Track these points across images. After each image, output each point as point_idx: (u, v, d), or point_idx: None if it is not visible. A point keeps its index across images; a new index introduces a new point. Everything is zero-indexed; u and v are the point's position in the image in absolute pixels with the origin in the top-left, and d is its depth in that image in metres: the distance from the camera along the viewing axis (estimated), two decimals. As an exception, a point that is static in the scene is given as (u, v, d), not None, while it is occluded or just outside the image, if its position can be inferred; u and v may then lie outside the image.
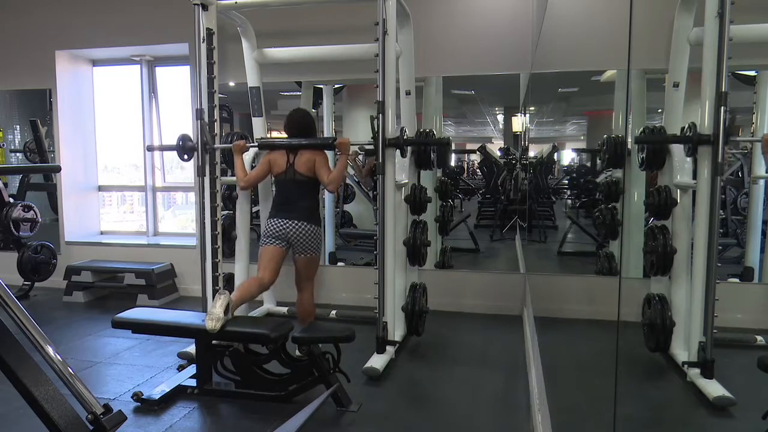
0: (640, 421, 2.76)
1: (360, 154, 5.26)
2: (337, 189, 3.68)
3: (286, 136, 3.70)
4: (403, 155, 3.72)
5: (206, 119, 3.69)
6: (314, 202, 3.61)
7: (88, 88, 6.05)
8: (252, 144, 3.81)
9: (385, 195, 3.55)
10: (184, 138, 3.75)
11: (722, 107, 2.84)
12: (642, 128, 3.66)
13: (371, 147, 3.77)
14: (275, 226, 3.50)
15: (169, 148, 3.91)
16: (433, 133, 4.05)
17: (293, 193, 3.54)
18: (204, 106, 3.68)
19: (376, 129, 3.55)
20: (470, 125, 8.64)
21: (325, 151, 3.66)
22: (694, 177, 3.15)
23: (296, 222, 3.47)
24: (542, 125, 7.27)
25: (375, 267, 3.67)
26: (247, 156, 4.05)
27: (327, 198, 5.46)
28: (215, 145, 3.74)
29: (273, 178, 3.68)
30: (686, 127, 3.11)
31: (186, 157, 3.77)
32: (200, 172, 3.71)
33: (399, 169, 3.80)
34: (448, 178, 4.98)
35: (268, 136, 4.47)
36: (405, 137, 3.60)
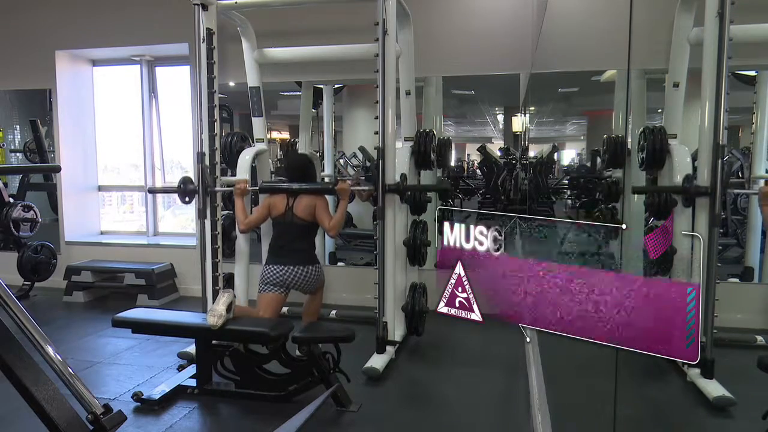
0: (640, 421, 2.76)
1: (362, 177, 5.28)
2: (338, 234, 3.77)
3: (286, 179, 3.76)
4: (402, 201, 3.76)
5: (207, 162, 3.73)
6: (311, 244, 3.65)
7: (88, 88, 6.05)
8: (253, 188, 3.86)
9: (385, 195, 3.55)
10: (185, 181, 3.82)
11: (720, 160, 2.87)
12: (642, 128, 3.65)
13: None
14: (274, 274, 3.52)
15: (171, 190, 4.02)
16: (433, 133, 4.06)
17: (291, 236, 3.57)
18: (205, 150, 3.71)
19: (373, 170, 3.58)
20: (470, 125, 8.63)
21: (325, 196, 3.70)
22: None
23: (294, 267, 3.51)
24: (542, 125, 7.27)
25: (375, 267, 3.68)
26: (247, 156, 4.05)
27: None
28: (216, 188, 3.79)
29: (272, 221, 3.71)
30: (684, 177, 3.14)
31: (187, 199, 3.84)
32: (202, 215, 3.75)
33: (399, 168, 3.79)
34: (448, 178, 4.98)
35: (268, 136, 4.47)
36: (405, 184, 3.64)
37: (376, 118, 3.52)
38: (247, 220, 3.72)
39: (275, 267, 3.52)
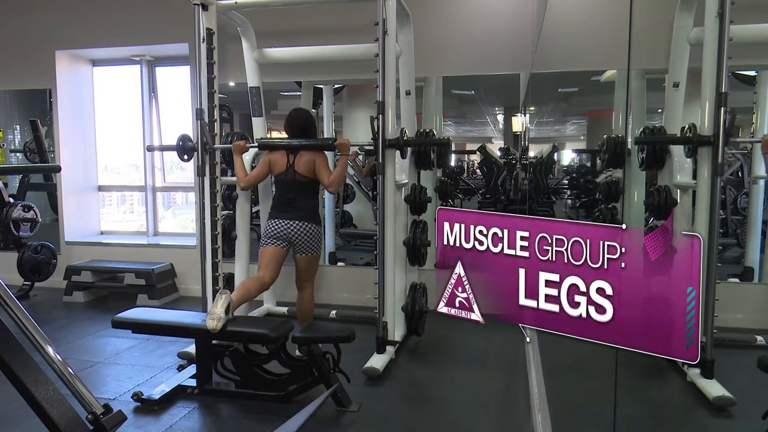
0: (640, 421, 2.76)
1: (360, 154, 5.26)
2: (338, 190, 3.69)
3: (286, 135, 3.71)
4: (403, 156, 3.72)
5: (206, 119, 3.69)
6: (314, 202, 3.62)
7: (88, 88, 6.05)
8: (252, 144, 3.81)
9: (385, 195, 3.55)
10: (184, 138, 3.76)
11: (722, 108, 2.85)
12: (642, 128, 3.65)
13: (371, 147, 3.78)
14: (276, 227, 3.50)
15: (169, 148, 3.93)
16: (433, 133, 4.06)
17: (293, 193, 3.55)
18: (204, 106, 3.68)
19: (375, 129, 3.55)
20: (470, 125, 8.64)
21: (325, 152, 3.66)
22: (694, 177, 3.15)
23: (297, 222, 3.48)
24: (542, 125, 7.27)
25: (375, 267, 3.67)
26: (247, 156, 4.05)
27: (327, 198, 5.46)
28: (215, 145, 3.74)
29: (273, 179, 3.68)
30: (686, 127, 3.11)
31: (186, 157, 3.78)
32: (200, 172, 3.71)
33: (399, 169, 3.80)
34: (448, 178, 4.98)
35: (268, 136, 4.46)
36: (405, 138, 3.60)
37: (376, 117, 3.51)
38: (247, 178, 3.68)
39: (277, 221, 3.50)
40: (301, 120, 3.71)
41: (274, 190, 3.74)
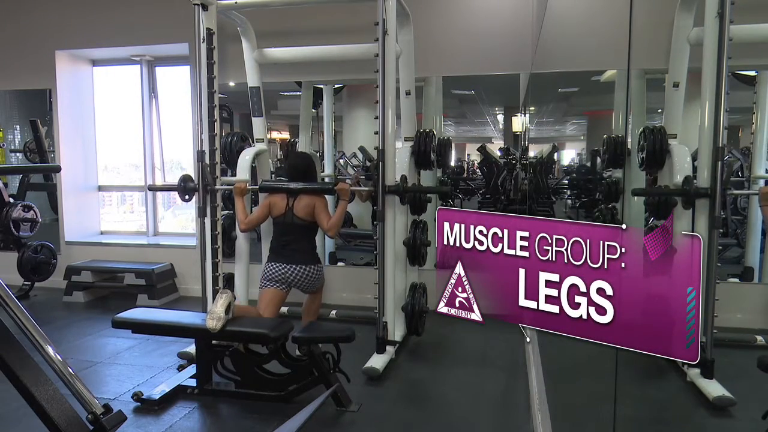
0: (640, 421, 2.76)
1: (362, 177, 5.28)
2: (337, 234, 3.77)
3: (286, 179, 3.75)
4: (402, 203, 3.75)
5: (207, 161, 3.73)
6: (312, 244, 3.65)
7: (88, 88, 6.05)
8: (253, 186, 3.85)
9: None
10: (185, 179, 3.82)
11: (719, 161, 2.87)
12: (642, 128, 3.65)
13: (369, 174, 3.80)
14: (275, 271, 3.53)
15: (171, 188, 4.02)
16: (433, 133, 4.06)
17: (291, 236, 3.57)
18: (205, 148, 3.71)
19: (373, 172, 3.59)
20: (470, 125, 8.64)
21: (325, 196, 3.69)
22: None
23: (295, 266, 3.51)
24: (542, 125, 7.27)
25: (375, 267, 3.68)
26: (247, 156, 4.05)
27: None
28: (216, 187, 3.79)
29: (272, 220, 3.71)
30: (684, 179, 3.13)
31: (187, 197, 3.83)
32: (201, 213, 3.75)
33: (399, 168, 3.80)
34: (448, 178, 4.98)
35: (268, 136, 4.47)
36: (405, 185, 3.63)
37: (376, 118, 3.52)
38: (247, 220, 3.73)
39: (277, 264, 3.53)
40: (303, 164, 3.76)
41: (272, 231, 3.77)
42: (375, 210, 3.63)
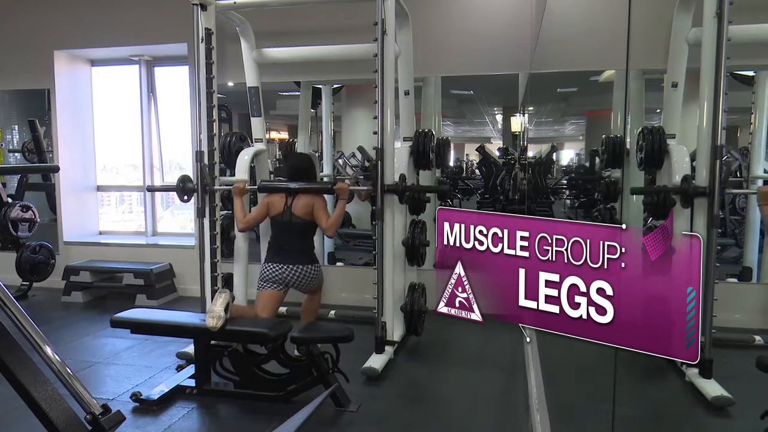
0: (639, 421, 2.76)
1: (361, 176, 5.28)
2: (335, 234, 3.77)
3: (285, 178, 3.75)
4: (401, 202, 3.74)
5: (206, 161, 3.72)
6: (310, 244, 3.64)
7: (86, 88, 6.04)
8: (252, 186, 3.85)
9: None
10: (184, 179, 3.81)
11: (718, 160, 2.88)
12: (641, 128, 3.66)
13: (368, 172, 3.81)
14: (272, 271, 3.52)
15: (170, 189, 4.01)
16: (432, 133, 4.06)
17: (289, 235, 3.57)
18: (204, 148, 3.70)
19: (371, 172, 3.59)
20: (469, 125, 8.65)
21: (324, 195, 3.69)
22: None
23: (292, 266, 3.50)
24: (541, 125, 7.28)
25: (374, 267, 3.67)
26: (246, 156, 4.05)
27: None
28: (215, 187, 3.78)
29: (270, 219, 3.71)
30: (682, 178, 3.14)
31: (186, 198, 3.83)
32: (200, 214, 3.75)
33: (398, 169, 3.80)
34: (447, 178, 4.98)
35: (267, 136, 4.47)
36: (404, 184, 3.63)
37: (375, 117, 3.52)
38: (245, 219, 3.72)
39: (275, 265, 3.52)
40: (302, 164, 3.76)
41: (271, 231, 3.77)
42: (374, 209, 3.63)
